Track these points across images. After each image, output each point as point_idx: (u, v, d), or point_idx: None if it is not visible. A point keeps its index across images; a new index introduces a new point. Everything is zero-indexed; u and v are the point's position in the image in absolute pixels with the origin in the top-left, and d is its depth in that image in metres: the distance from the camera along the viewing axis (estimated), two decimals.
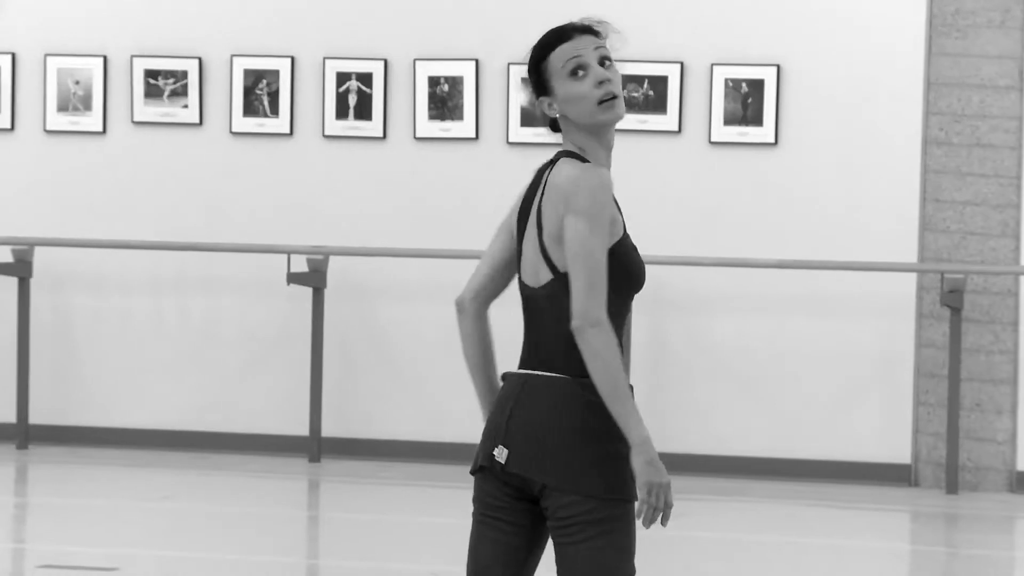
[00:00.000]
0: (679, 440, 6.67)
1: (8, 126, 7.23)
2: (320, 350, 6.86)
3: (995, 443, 6.68)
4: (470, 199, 6.83)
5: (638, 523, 2.40)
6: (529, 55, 2.53)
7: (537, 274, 2.59)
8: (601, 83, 2.52)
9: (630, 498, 2.39)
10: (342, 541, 6.05)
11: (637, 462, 2.38)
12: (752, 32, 6.77)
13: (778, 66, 6.74)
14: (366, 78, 6.97)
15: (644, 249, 2.64)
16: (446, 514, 6.35)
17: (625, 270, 2.53)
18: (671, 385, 7.00)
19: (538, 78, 2.50)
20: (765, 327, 6.87)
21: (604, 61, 2.58)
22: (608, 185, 2.49)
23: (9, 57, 7.15)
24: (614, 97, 2.53)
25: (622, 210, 2.52)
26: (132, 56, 7.13)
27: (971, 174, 6.66)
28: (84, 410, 7.25)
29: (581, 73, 2.51)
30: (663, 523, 2.44)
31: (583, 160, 2.45)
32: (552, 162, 2.53)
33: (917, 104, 6.72)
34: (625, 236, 2.58)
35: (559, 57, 2.51)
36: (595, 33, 2.64)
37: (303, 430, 6.92)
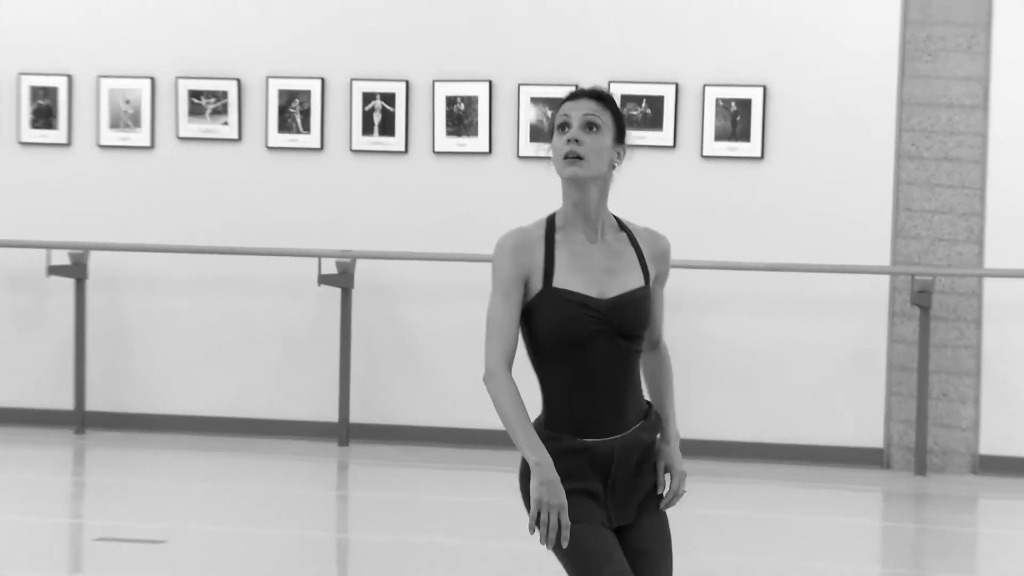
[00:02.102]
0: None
1: (65, 141, 7.54)
2: (348, 345, 7.15)
3: (960, 429, 7.03)
4: (484, 207, 7.11)
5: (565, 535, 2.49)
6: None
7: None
8: (569, 141, 2.60)
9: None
10: (368, 518, 6.28)
11: (532, 483, 2.50)
12: (740, 56, 7.04)
13: (764, 87, 7.03)
14: (389, 98, 7.27)
15: None
16: (462, 492, 6.76)
17: (542, 325, 2.59)
18: None
19: (549, 126, 2.69)
20: (752, 324, 7.13)
21: (590, 126, 2.63)
22: (504, 248, 2.58)
23: (66, 79, 7.48)
24: (576, 157, 2.59)
25: (555, 264, 2.59)
26: (177, 78, 7.42)
27: (939, 185, 6.97)
28: (135, 398, 7.56)
29: (565, 129, 2.63)
30: (562, 543, 2.49)
31: (552, 214, 2.63)
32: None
33: (890, 121, 7.00)
34: (545, 291, 2.60)
35: (558, 112, 2.65)
36: (600, 99, 2.68)
37: (333, 417, 7.21)
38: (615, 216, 2.77)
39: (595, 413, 2.61)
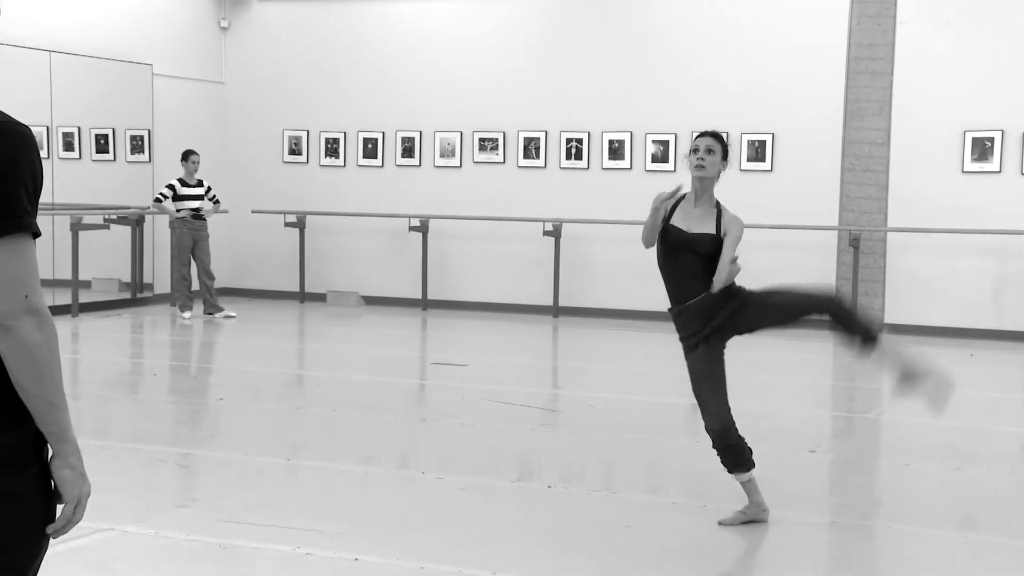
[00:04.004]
0: None
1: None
2: (558, 268, 13.72)
3: (874, 310, 12.83)
4: (627, 197, 13.39)
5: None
6: None
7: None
8: (699, 158, 4.94)
9: None
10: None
11: None
12: (757, 109, 13.06)
13: (773, 133, 13.03)
14: (580, 140, 13.71)
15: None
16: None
17: (661, 239, 5.00)
18: None
19: (689, 150, 4.98)
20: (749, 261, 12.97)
21: (709, 151, 4.94)
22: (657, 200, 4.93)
23: None
24: (699, 166, 4.93)
25: (673, 213, 4.94)
26: (473, 131, 14.21)
27: (865, 184, 12.86)
28: None
29: (696, 152, 4.99)
30: None
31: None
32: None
33: (838, 151, 12.89)
34: (664, 224, 4.93)
35: (692, 142, 5.03)
36: (715, 136, 5.02)
37: (549, 301, 13.72)
38: (716, 199, 4.99)
39: (678, 290, 4.96)
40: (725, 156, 5.11)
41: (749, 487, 5.35)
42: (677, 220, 5.00)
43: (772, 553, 5.15)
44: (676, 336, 5.32)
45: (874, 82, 12.55)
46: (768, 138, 12.94)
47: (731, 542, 5.24)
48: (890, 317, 12.65)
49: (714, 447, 5.34)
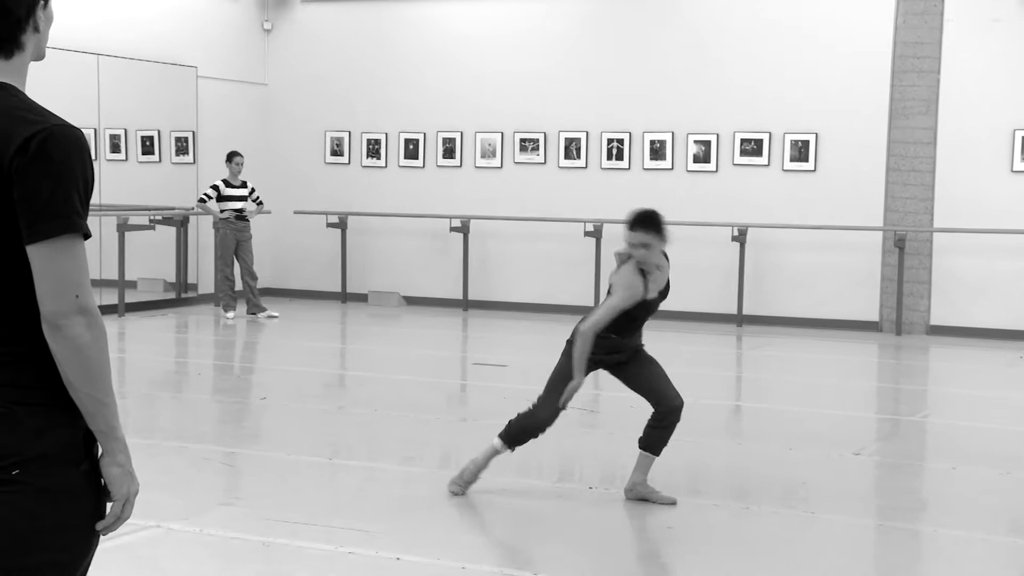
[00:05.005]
0: (766, 306, 13.01)
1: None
2: (599, 271, 13.74)
3: (919, 311, 12.72)
4: (670, 192, 13.37)
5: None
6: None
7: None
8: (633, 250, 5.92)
9: None
10: None
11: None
12: (804, 109, 13.00)
13: (817, 133, 12.91)
14: (621, 140, 13.75)
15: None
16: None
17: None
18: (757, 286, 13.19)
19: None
20: (794, 262, 13.06)
21: (644, 244, 5.36)
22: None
23: None
24: (642, 261, 5.41)
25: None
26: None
27: (910, 184, 12.75)
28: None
29: (632, 246, 5.45)
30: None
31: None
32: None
33: (883, 151, 12.79)
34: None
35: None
36: (646, 224, 5.37)
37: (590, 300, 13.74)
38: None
39: (630, 333, 5.62)
40: (660, 233, 5.37)
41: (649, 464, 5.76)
42: (651, 291, 5.46)
43: (817, 555, 5.11)
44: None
45: (920, 80, 12.43)
46: (811, 138, 12.86)
47: (775, 543, 5.21)
48: (936, 318, 12.58)
49: (672, 422, 5.67)
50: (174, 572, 4.69)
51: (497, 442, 5.72)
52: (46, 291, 2.11)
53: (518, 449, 5.80)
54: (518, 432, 5.67)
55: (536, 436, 5.71)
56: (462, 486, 5.76)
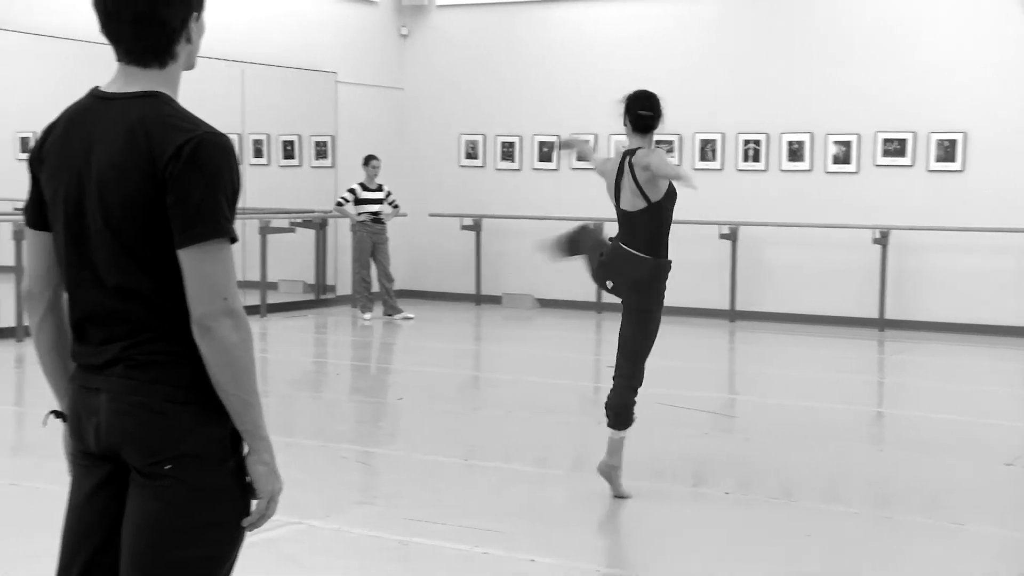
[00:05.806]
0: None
1: None
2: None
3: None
4: (816, 189, 13.14)
5: None
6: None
7: (634, 204, 5.43)
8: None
9: None
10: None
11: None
12: (949, 107, 12.57)
13: (965, 132, 12.46)
14: (756, 141, 13.55)
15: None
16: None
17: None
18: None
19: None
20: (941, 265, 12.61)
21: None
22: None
23: None
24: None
25: None
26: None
27: None
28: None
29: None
30: None
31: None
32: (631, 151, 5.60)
33: None
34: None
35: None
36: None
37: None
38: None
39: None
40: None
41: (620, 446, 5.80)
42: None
43: (966, 567, 4.94)
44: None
45: None
46: (959, 137, 12.43)
47: (920, 553, 5.06)
48: None
49: (632, 400, 5.77)
50: (316, 568, 4.79)
51: (612, 433, 5.76)
52: (196, 294, 2.18)
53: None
54: (623, 412, 5.73)
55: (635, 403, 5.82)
56: (619, 488, 5.78)
